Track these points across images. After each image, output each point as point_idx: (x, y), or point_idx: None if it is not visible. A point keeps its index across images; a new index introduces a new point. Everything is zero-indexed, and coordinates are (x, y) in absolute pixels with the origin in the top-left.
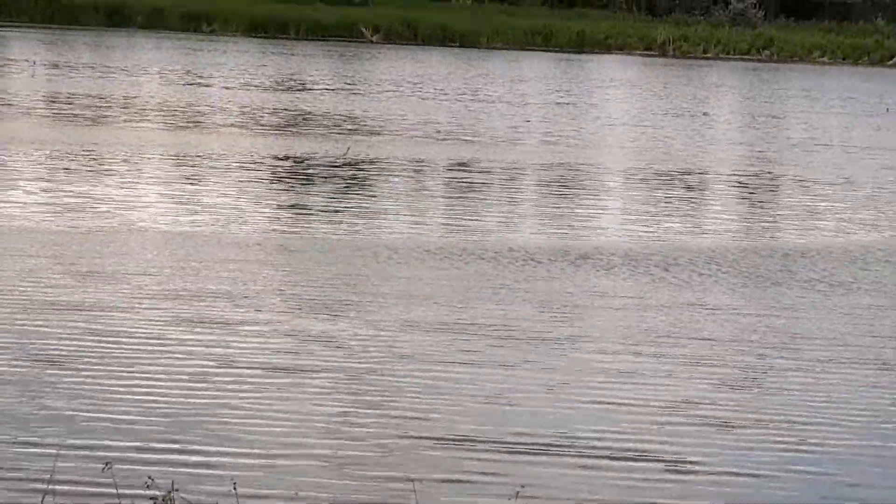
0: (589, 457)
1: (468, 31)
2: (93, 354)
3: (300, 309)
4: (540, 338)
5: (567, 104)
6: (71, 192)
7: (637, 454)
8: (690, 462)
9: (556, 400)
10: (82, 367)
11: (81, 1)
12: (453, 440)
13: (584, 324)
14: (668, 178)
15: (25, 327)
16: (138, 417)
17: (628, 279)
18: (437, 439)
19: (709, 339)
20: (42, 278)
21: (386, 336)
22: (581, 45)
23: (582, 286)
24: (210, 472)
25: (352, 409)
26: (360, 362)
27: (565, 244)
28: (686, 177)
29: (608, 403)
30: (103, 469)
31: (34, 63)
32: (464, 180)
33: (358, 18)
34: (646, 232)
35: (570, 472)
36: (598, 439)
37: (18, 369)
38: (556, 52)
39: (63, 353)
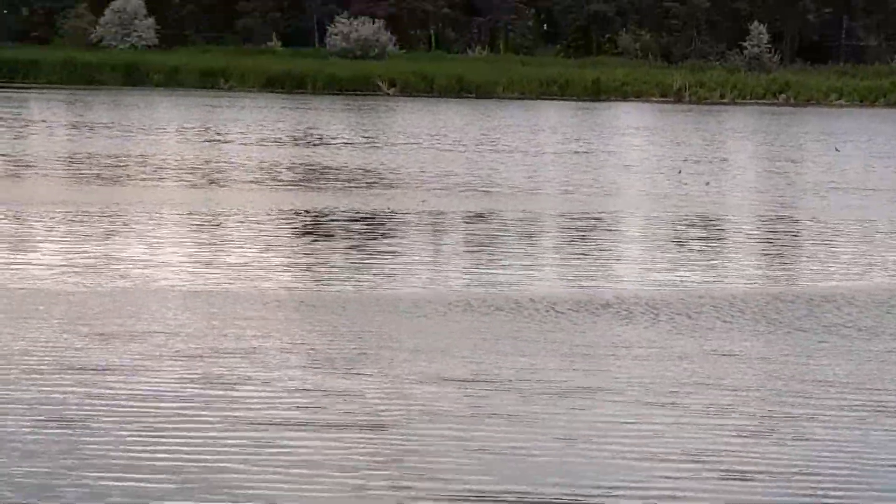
0: None
1: (484, 81)
2: (114, 416)
3: (320, 365)
4: (560, 390)
5: (584, 152)
6: (89, 252)
7: None
8: None
9: (575, 454)
10: (104, 428)
11: (98, 61)
12: (471, 495)
13: (606, 375)
14: (689, 224)
15: (45, 389)
16: (161, 476)
17: (650, 328)
18: (455, 495)
19: (731, 388)
20: (60, 340)
21: (405, 391)
22: (597, 92)
23: (603, 336)
24: None
25: (370, 465)
26: (379, 417)
27: (586, 293)
28: (706, 223)
29: (629, 458)
30: None
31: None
32: (482, 231)
33: (373, 72)
34: (667, 279)
35: None
36: (618, 495)
37: (38, 432)
38: (573, 100)
39: (83, 414)
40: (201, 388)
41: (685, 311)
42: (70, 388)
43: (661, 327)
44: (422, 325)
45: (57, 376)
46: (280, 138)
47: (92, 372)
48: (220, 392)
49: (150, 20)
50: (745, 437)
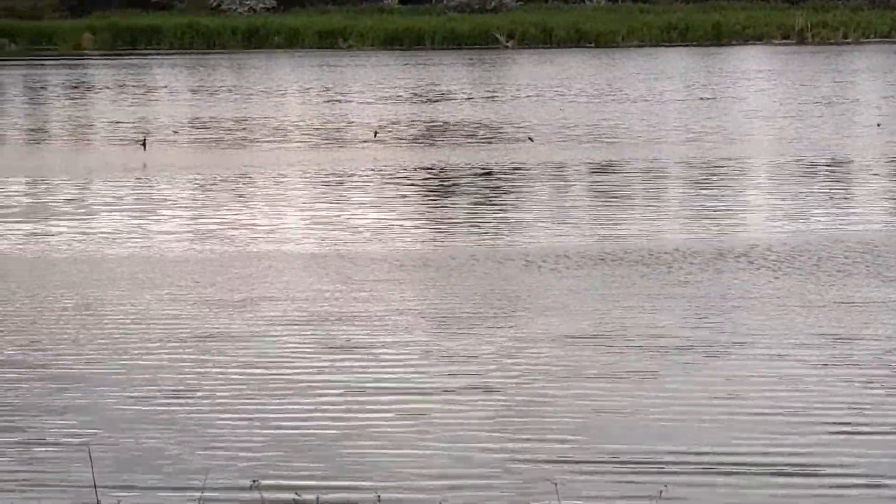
0: (749, 473)
1: (603, 30)
2: (238, 382)
3: (443, 326)
4: (691, 345)
5: (708, 99)
6: (212, 217)
7: (803, 468)
8: (865, 475)
9: (712, 412)
10: (228, 394)
11: (218, 25)
12: (604, 454)
13: (738, 328)
14: (817, 169)
15: (165, 358)
16: (285, 441)
17: (781, 277)
18: (588, 454)
19: (873, 339)
20: (185, 306)
21: (531, 350)
22: (718, 37)
23: (733, 287)
24: (356, 495)
25: (500, 425)
26: (505, 378)
27: (713, 244)
28: (835, 167)
29: (768, 414)
30: (250, 486)
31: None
32: (606, 183)
33: (492, 25)
34: (797, 226)
35: (727, 489)
36: (760, 453)
37: (167, 400)
38: (694, 46)
39: (209, 381)
40: (325, 354)
41: (816, 258)
42: (190, 357)
43: (789, 277)
44: (547, 282)
45: (177, 344)
46: (401, 95)
47: (213, 340)
48: (343, 358)
49: None
50: (878, 389)
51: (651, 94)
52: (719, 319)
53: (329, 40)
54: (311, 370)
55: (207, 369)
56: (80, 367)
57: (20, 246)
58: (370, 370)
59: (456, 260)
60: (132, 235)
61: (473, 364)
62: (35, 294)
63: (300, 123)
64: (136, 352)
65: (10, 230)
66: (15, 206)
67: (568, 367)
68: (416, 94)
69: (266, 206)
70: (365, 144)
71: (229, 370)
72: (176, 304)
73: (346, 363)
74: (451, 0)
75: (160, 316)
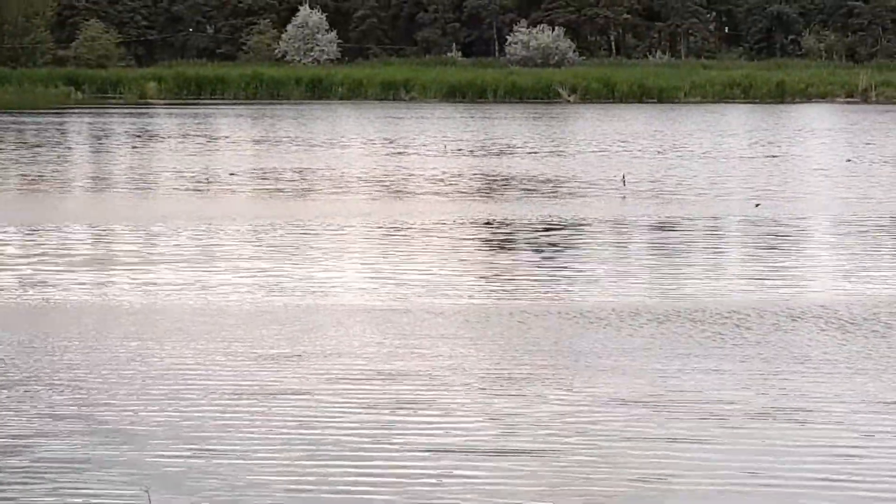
0: None
1: (666, 86)
2: (284, 442)
3: (499, 385)
4: (753, 410)
5: (772, 156)
6: (271, 268)
7: None
8: None
9: (759, 484)
10: (280, 454)
11: (283, 75)
12: None
13: (804, 392)
14: (886, 229)
15: (225, 411)
16: (336, 503)
17: (850, 340)
18: None
19: None
20: (241, 360)
21: (587, 411)
22: (781, 94)
23: (798, 349)
24: None
25: (550, 489)
26: (558, 441)
27: (777, 303)
28: None
29: (835, 481)
30: None
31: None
32: (670, 239)
33: (554, 79)
34: (865, 287)
35: None
36: None
37: (218, 460)
38: (756, 103)
39: (262, 438)
40: (378, 414)
41: (885, 320)
42: (244, 412)
43: (858, 339)
44: (603, 340)
45: (231, 400)
46: (464, 148)
47: (268, 396)
48: (398, 418)
49: (332, 34)
50: None
51: (715, 149)
52: (784, 383)
53: (392, 91)
54: (362, 430)
55: (260, 426)
56: (134, 420)
57: (79, 296)
58: (423, 430)
59: (515, 316)
60: (191, 286)
61: (527, 425)
62: (91, 346)
63: (362, 175)
64: (189, 406)
65: (70, 279)
66: (76, 256)
67: (623, 431)
68: (478, 147)
69: (325, 258)
70: (426, 197)
71: (282, 428)
72: (232, 357)
73: (400, 422)
74: (513, 54)
75: (216, 370)
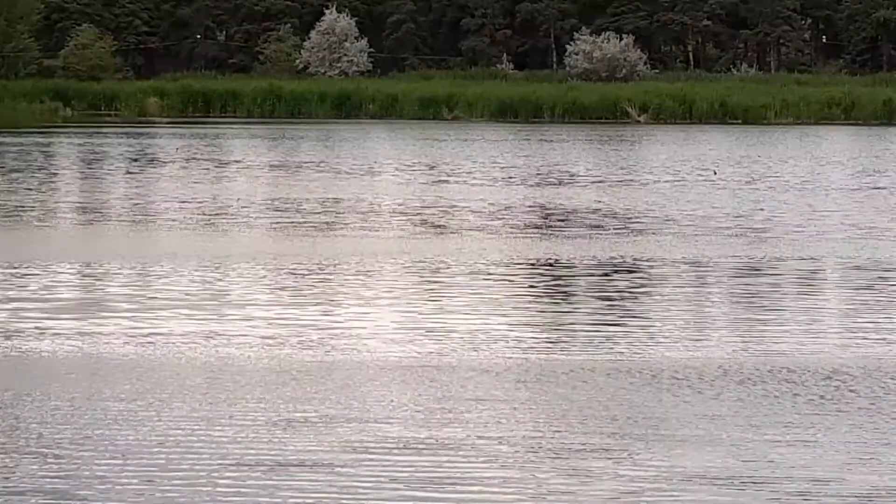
0: None
1: (752, 105)
2: None
3: (551, 459)
4: (854, 492)
5: (879, 187)
6: (290, 316)
7: None
8: None
9: None
10: None
11: (304, 90)
12: None
13: None
14: None
15: (236, 485)
16: None
17: None
18: None
19: None
20: (254, 426)
21: (657, 493)
22: (889, 115)
23: None
24: None
25: None
26: None
27: (882, 362)
28: None
29: None
30: None
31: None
32: (756, 285)
33: (621, 96)
34: None
35: None
36: None
37: None
38: (859, 125)
39: None
40: (411, 491)
41: None
42: (257, 485)
43: None
44: (680, 404)
45: (243, 471)
46: (516, 176)
47: (284, 467)
48: (433, 494)
49: (363, 43)
50: None
51: (812, 179)
52: (891, 459)
53: (432, 109)
54: None
55: (276, 501)
56: (122, 498)
57: (64, 348)
58: None
59: (571, 374)
60: (194, 337)
61: (589, 497)
62: (77, 407)
63: (397, 207)
64: (196, 478)
65: (54, 327)
66: (64, 299)
67: None
68: (532, 175)
69: (353, 304)
70: (472, 233)
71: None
72: (241, 422)
73: (436, 501)
74: (574, 66)
75: (226, 437)
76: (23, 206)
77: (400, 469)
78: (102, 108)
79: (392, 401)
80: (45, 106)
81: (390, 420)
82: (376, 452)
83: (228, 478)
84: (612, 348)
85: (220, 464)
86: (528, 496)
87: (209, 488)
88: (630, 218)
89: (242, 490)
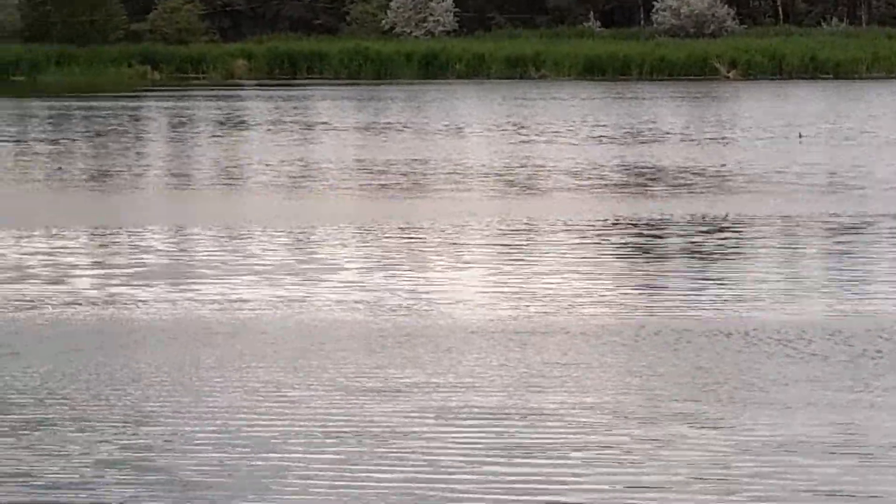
0: None
1: (843, 59)
2: (395, 490)
3: (643, 425)
4: None
5: None
6: (375, 280)
7: None
8: None
9: None
10: None
11: (390, 51)
12: None
13: None
14: None
15: (323, 455)
16: None
17: None
18: None
19: None
20: (340, 393)
21: (754, 461)
22: None
23: None
24: None
25: None
26: (719, 499)
27: None
28: None
29: None
30: None
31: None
32: (852, 243)
33: (710, 52)
34: None
35: None
36: None
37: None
38: None
39: (364, 488)
40: (497, 458)
41: None
42: (345, 456)
43: None
44: (776, 366)
45: (331, 442)
46: (605, 134)
47: (369, 437)
48: (519, 463)
49: (448, 2)
50: None
51: None
52: None
53: (519, 69)
54: (480, 482)
55: (362, 473)
56: (217, 467)
57: (157, 313)
58: (551, 481)
59: (664, 337)
60: (285, 302)
61: (678, 477)
62: (169, 373)
63: (484, 167)
64: (283, 447)
65: (146, 292)
66: (153, 264)
67: (803, 486)
68: (621, 133)
69: (441, 267)
70: (561, 193)
71: (384, 476)
72: (333, 390)
73: (522, 472)
74: (661, 23)
75: (314, 405)
76: (111, 170)
77: (488, 437)
78: (190, 72)
79: (481, 367)
80: (134, 70)
81: (479, 387)
82: (464, 420)
83: (316, 446)
84: (706, 309)
85: (308, 432)
86: (619, 465)
87: (297, 455)
88: (722, 175)
89: (330, 459)
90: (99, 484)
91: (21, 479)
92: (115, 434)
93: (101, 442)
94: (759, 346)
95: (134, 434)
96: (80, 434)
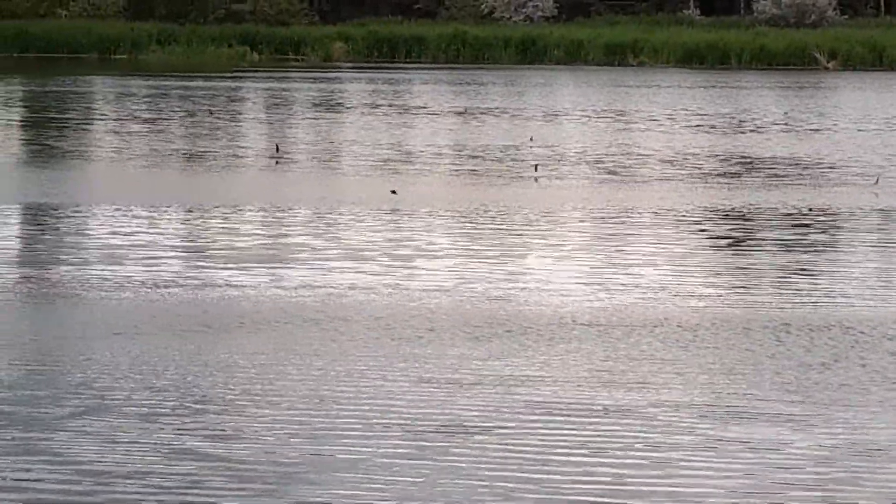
0: None
1: None
2: (480, 487)
3: (737, 422)
4: None
5: None
6: (475, 266)
7: None
8: None
9: None
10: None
11: (489, 36)
12: None
13: None
14: None
15: (407, 450)
16: None
17: None
18: None
19: None
20: (429, 387)
21: (839, 463)
22: None
23: None
24: None
25: None
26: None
27: None
28: None
29: None
30: None
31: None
32: None
33: (809, 42)
34: None
35: None
36: None
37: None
38: None
39: (450, 482)
40: (579, 456)
41: None
42: (433, 451)
43: None
44: (872, 364)
45: (412, 433)
46: (703, 123)
47: (458, 433)
48: (600, 461)
49: None
50: None
51: None
52: None
53: (617, 55)
54: (566, 477)
55: (444, 468)
56: (308, 455)
57: (252, 295)
58: (630, 482)
59: (756, 332)
60: (378, 287)
61: (773, 478)
62: (258, 359)
63: (581, 154)
64: (366, 438)
65: (241, 275)
66: (247, 246)
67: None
68: (720, 122)
69: (533, 256)
70: (656, 181)
71: (472, 471)
72: (421, 381)
73: (602, 470)
74: (762, 12)
75: (401, 396)
76: (208, 151)
77: (571, 434)
78: (289, 53)
79: (568, 360)
80: (233, 50)
81: (565, 381)
82: (548, 415)
83: (400, 438)
84: (799, 300)
85: (393, 423)
86: (709, 465)
87: (379, 449)
88: (822, 166)
89: (410, 452)
90: (159, 472)
91: (75, 467)
92: (194, 420)
93: (173, 428)
94: (854, 343)
95: (214, 420)
96: (148, 421)
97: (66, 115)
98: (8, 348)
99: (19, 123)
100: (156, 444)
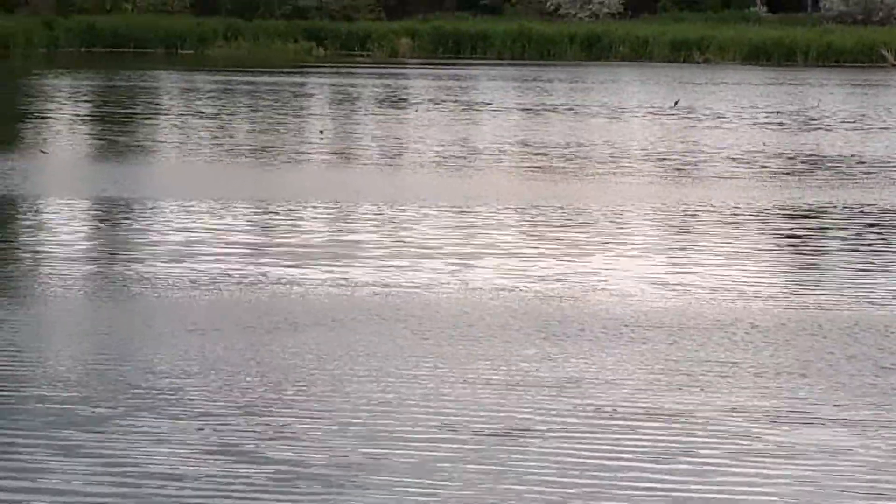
0: None
1: None
2: (535, 491)
3: (798, 428)
4: None
5: None
6: (535, 263)
7: None
8: None
9: None
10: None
11: (554, 32)
12: None
13: None
14: None
15: (462, 453)
16: None
17: None
18: None
19: None
20: (484, 389)
21: None
22: None
23: None
24: None
25: None
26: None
27: None
28: None
29: None
30: None
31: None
32: None
33: (877, 39)
34: None
35: None
36: None
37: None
38: None
39: (508, 484)
40: (632, 462)
41: None
42: (489, 453)
43: None
44: None
45: (463, 437)
46: (768, 120)
47: (512, 436)
48: (652, 467)
49: None
50: None
51: None
52: None
53: (683, 52)
54: (621, 486)
55: (501, 473)
56: (366, 458)
57: (315, 293)
58: (692, 489)
59: (820, 332)
60: (439, 285)
61: (840, 483)
62: (317, 359)
63: (645, 151)
64: (417, 441)
65: (303, 272)
66: (309, 243)
67: None
68: (787, 119)
69: (594, 255)
70: (719, 179)
71: (525, 476)
72: (476, 383)
73: (664, 478)
74: (829, 9)
75: (453, 399)
76: (273, 145)
77: (625, 439)
78: (354, 49)
79: (631, 363)
80: (299, 45)
81: (627, 385)
82: (610, 420)
83: (451, 442)
84: (868, 301)
85: (444, 427)
86: (766, 473)
87: (429, 454)
88: (887, 165)
89: (467, 457)
90: (196, 474)
91: (120, 468)
92: (246, 420)
93: (230, 430)
94: None
95: (265, 421)
96: (194, 420)
97: (133, 110)
98: (72, 345)
99: (87, 118)
100: (206, 444)
